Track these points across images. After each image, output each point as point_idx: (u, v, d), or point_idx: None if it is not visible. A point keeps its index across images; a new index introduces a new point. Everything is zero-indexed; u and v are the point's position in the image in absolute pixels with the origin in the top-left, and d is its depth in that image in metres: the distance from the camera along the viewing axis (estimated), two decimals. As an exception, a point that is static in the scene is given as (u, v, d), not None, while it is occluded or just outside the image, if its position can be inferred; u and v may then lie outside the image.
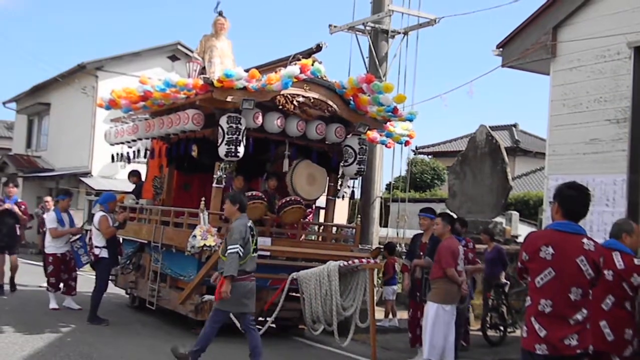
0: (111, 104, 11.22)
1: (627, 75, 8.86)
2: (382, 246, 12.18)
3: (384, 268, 12.24)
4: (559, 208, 4.47)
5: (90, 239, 10.77)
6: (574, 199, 4.47)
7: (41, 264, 13.61)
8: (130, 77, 19.86)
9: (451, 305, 7.85)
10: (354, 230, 10.85)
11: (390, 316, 11.96)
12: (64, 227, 10.98)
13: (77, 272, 11.32)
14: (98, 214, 10.37)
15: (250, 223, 7.45)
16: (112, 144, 12.65)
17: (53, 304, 10.88)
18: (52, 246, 11.01)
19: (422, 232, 9.32)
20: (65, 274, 11.02)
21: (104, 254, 10.15)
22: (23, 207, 12.33)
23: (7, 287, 12.30)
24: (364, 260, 8.26)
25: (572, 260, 4.31)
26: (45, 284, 13.38)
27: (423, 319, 7.90)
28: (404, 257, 10.36)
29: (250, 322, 7.43)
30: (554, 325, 4.27)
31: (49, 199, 14.58)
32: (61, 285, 11.03)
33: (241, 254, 7.13)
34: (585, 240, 4.39)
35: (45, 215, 13.79)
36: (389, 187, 21.61)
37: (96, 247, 10.21)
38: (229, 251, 7.14)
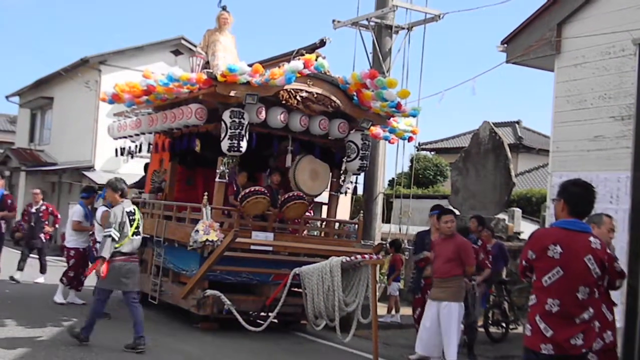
0: (114, 98, 11.21)
1: (631, 72, 8.81)
2: (384, 242, 12.17)
3: (391, 264, 12.25)
4: (564, 205, 4.40)
5: (93, 233, 10.78)
6: (579, 196, 4.41)
7: (36, 256, 13.56)
8: (134, 71, 19.84)
9: None
10: (357, 226, 10.85)
11: (393, 312, 11.97)
12: (88, 222, 11.05)
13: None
14: (100, 209, 10.35)
15: (130, 208, 7.99)
16: (115, 138, 12.65)
17: (60, 299, 10.81)
18: (74, 240, 11.00)
19: (427, 229, 9.28)
20: (81, 268, 11.02)
21: None
22: (10, 201, 12.20)
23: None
24: (366, 256, 8.24)
25: (580, 259, 4.26)
26: (40, 279, 13.22)
27: (446, 319, 7.84)
28: (410, 253, 10.33)
29: (132, 299, 7.98)
30: (561, 325, 4.23)
31: (37, 191, 14.30)
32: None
33: (115, 237, 7.70)
34: (592, 238, 4.34)
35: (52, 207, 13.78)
36: (391, 183, 21.60)
37: (98, 242, 10.19)
38: (103, 234, 7.85)
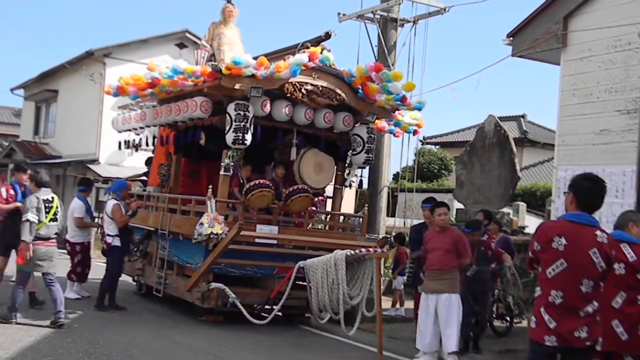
0: (119, 91, 11.19)
1: (638, 66, 8.79)
2: (389, 235, 12.16)
3: (396, 258, 12.24)
4: (573, 199, 4.40)
5: (101, 226, 10.75)
6: (589, 190, 4.40)
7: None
8: (138, 64, 19.79)
9: None
10: (361, 219, 10.83)
11: (397, 305, 11.96)
12: (89, 216, 11.08)
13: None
14: (110, 202, 10.33)
15: (47, 196, 8.43)
16: (119, 131, 12.64)
17: (72, 294, 10.67)
18: (78, 235, 10.93)
19: (422, 222, 9.27)
20: (87, 261, 11.01)
21: (117, 242, 10.15)
22: None
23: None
24: (370, 249, 8.24)
25: (585, 252, 4.26)
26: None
27: (448, 311, 7.84)
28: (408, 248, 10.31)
29: (48, 280, 8.44)
30: (564, 317, 4.23)
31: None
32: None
33: (34, 220, 8.12)
34: (598, 232, 4.33)
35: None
36: (396, 176, 21.58)
37: (108, 235, 10.18)
38: (22, 220, 8.23)
